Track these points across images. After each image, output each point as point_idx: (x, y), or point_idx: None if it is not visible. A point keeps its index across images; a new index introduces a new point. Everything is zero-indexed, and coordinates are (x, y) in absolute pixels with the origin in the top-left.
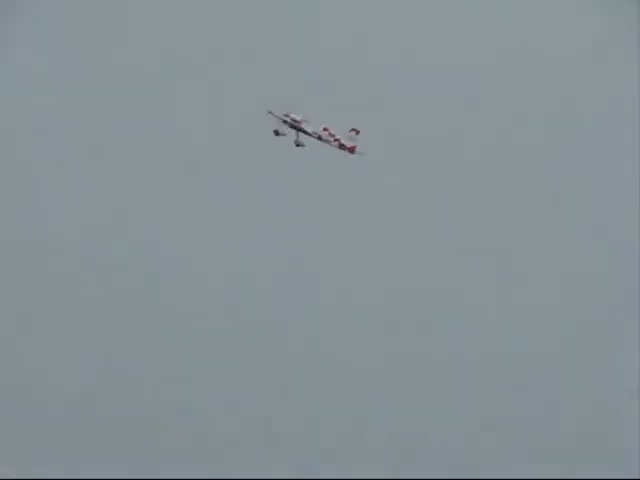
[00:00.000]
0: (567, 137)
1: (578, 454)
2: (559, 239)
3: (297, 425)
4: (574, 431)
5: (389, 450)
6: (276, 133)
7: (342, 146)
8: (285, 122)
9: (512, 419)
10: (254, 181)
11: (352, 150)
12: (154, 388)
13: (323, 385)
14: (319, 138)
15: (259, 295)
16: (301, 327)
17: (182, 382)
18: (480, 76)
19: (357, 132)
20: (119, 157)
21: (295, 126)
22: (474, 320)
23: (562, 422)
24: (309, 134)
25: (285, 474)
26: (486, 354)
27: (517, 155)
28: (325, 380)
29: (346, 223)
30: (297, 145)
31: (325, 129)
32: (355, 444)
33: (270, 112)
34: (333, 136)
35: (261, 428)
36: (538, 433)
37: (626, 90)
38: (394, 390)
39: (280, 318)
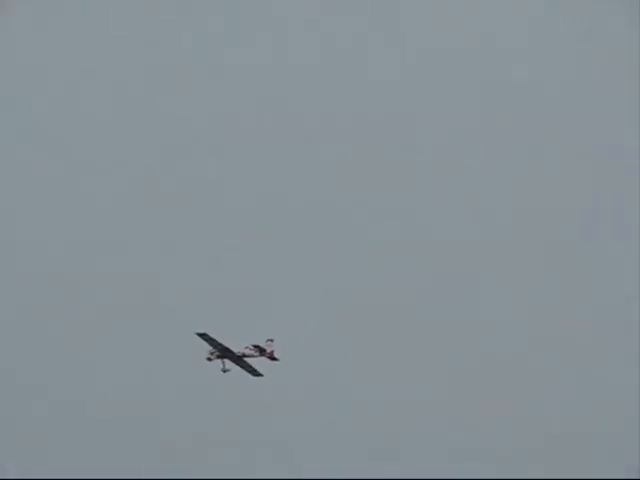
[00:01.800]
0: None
1: (577, 453)
2: None
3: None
4: (573, 430)
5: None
6: (209, 360)
7: (263, 352)
8: (213, 352)
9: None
10: None
11: (271, 355)
12: None
13: None
14: (243, 355)
15: None
16: None
17: None
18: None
19: (272, 340)
20: None
21: (222, 354)
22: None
23: (560, 421)
24: (234, 354)
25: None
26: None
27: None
28: None
29: None
30: (224, 372)
31: (246, 347)
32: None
33: (203, 335)
34: (257, 347)
35: None
36: (536, 433)
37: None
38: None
39: None
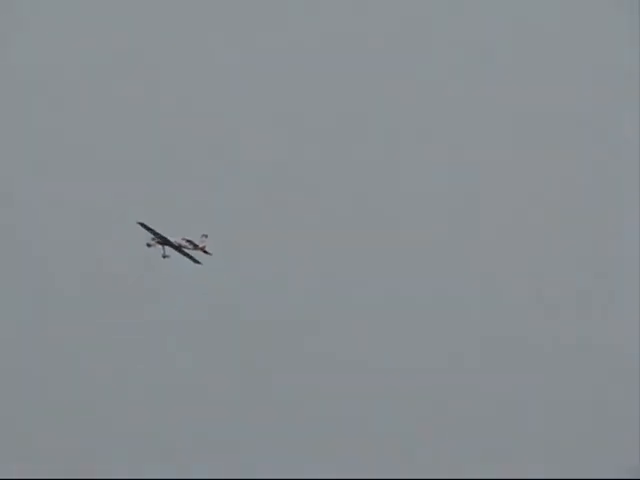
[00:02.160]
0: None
1: (577, 453)
2: None
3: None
4: (573, 430)
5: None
6: (149, 245)
7: (196, 247)
8: (154, 238)
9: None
10: None
11: (203, 249)
12: None
13: None
14: (179, 246)
15: None
16: None
17: None
18: None
19: (206, 236)
20: None
21: (163, 242)
22: None
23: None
24: (172, 244)
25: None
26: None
27: None
28: None
29: None
30: (164, 257)
31: (183, 238)
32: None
33: (142, 225)
34: (190, 242)
35: None
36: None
37: None
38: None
39: None
